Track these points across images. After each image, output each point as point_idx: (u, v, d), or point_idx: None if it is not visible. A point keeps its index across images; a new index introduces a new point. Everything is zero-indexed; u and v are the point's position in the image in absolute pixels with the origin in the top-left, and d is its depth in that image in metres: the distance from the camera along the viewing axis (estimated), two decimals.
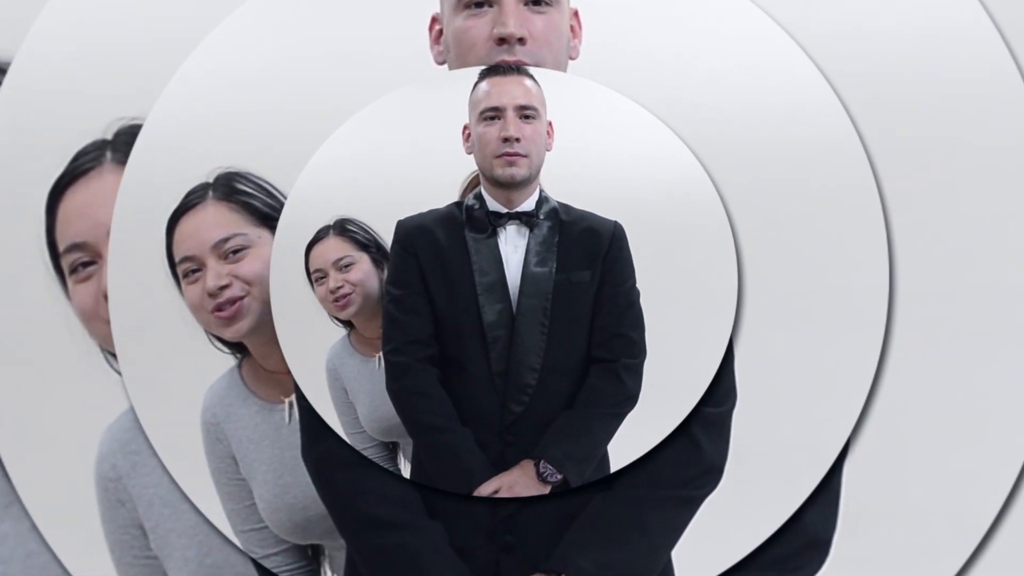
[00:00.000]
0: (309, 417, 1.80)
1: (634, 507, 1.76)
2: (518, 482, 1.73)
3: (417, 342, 1.74)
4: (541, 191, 1.76)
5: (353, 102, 1.82)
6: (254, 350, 1.88)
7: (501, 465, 1.74)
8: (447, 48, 1.81)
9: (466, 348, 1.74)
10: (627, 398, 1.75)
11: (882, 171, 1.88)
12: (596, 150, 1.80)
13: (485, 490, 1.73)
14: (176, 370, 1.90)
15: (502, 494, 1.73)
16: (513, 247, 1.75)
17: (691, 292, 1.81)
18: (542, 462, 1.73)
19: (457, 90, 1.77)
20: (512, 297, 1.74)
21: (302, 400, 1.80)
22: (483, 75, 1.76)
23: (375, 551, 1.76)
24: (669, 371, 1.77)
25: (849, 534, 1.87)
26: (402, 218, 1.76)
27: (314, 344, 1.81)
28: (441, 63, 1.83)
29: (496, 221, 1.75)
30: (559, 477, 1.74)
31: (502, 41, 1.76)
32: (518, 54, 1.76)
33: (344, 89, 1.86)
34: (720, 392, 1.79)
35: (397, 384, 1.75)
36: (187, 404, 1.91)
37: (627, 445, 1.76)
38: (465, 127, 1.76)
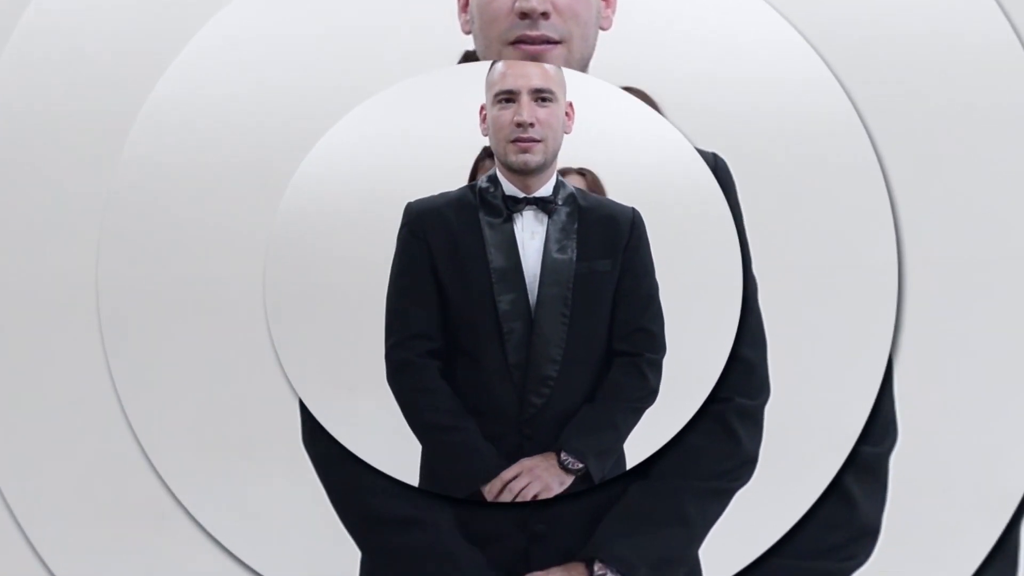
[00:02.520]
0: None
1: (673, 497, 1.72)
2: (539, 465, 1.68)
3: (420, 336, 1.69)
4: (558, 176, 1.71)
5: (361, 89, 1.78)
6: None
7: (519, 458, 1.68)
8: (472, 18, 1.76)
9: (480, 339, 1.69)
10: (649, 393, 1.71)
11: (884, 150, 1.85)
12: (594, 142, 1.75)
13: (508, 474, 1.67)
14: (166, 357, 1.87)
15: (523, 479, 1.68)
16: (531, 233, 1.70)
17: (695, 282, 1.77)
18: (563, 452, 1.68)
19: (473, 78, 1.72)
20: (528, 286, 1.69)
21: None
22: None
23: (381, 550, 1.71)
24: (678, 361, 1.73)
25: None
26: (411, 200, 1.71)
27: (309, 336, 1.76)
28: (468, 32, 1.77)
29: (513, 206, 1.70)
30: (580, 466, 1.69)
31: (524, 16, 1.70)
32: (542, 28, 1.70)
33: (352, 75, 1.83)
34: (755, 383, 1.75)
35: (398, 380, 1.70)
36: (176, 394, 1.87)
37: (645, 436, 1.73)
38: (482, 108, 1.71)
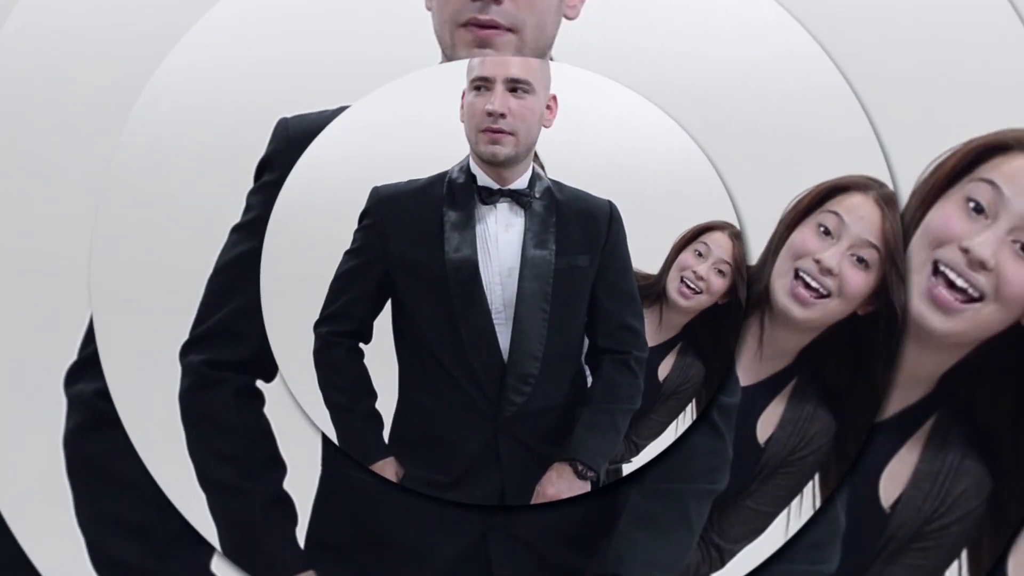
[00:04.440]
0: None
1: (676, 502, 1.70)
2: (555, 484, 1.67)
3: (340, 316, 1.69)
4: (534, 168, 1.69)
5: (363, 83, 1.77)
6: None
7: (493, 452, 1.67)
8: None
9: (435, 333, 1.67)
10: (639, 392, 1.70)
11: (886, 139, 1.79)
12: (582, 134, 1.73)
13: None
14: (158, 352, 1.81)
15: (539, 500, 1.68)
16: (505, 226, 1.68)
17: None
18: (578, 462, 1.67)
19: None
20: (503, 279, 1.66)
21: None
22: None
23: (212, 513, 1.73)
24: None
25: None
26: (378, 185, 1.69)
27: (303, 331, 1.73)
28: (429, 9, 1.74)
29: (487, 198, 1.67)
30: (594, 473, 1.68)
31: None
32: (492, 13, 1.67)
33: (354, 69, 1.80)
34: (731, 382, 1.72)
35: (314, 356, 1.70)
36: (168, 391, 1.81)
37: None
38: (463, 93, 1.68)
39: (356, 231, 1.69)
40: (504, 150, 1.66)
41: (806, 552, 1.73)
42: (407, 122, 1.74)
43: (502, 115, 1.65)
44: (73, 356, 1.83)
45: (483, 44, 1.68)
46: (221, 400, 1.71)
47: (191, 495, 1.77)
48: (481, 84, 1.66)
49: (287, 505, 1.73)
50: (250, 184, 1.78)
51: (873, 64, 1.79)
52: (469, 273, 1.66)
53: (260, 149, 1.78)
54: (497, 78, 1.65)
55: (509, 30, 1.68)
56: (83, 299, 1.84)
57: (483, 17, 1.67)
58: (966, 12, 1.80)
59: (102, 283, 1.82)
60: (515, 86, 1.66)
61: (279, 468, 1.73)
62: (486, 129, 1.65)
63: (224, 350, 1.72)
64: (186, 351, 1.73)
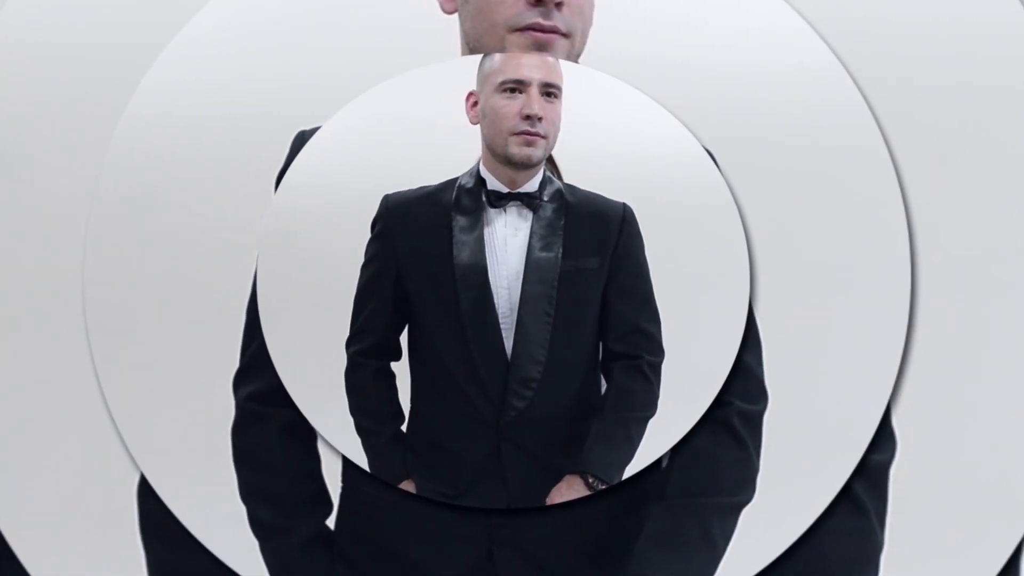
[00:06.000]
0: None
1: (697, 518, 1.67)
2: (565, 495, 1.66)
3: (364, 331, 1.67)
4: (545, 171, 1.66)
5: (360, 81, 1.74)
6: None
7: (496, 461, 1.65)
8: None
9: (444, 338, 1.65)
10: (655, 399, 1.66)
11: (895, 143, 1.78)
12: (594, 138, 1.71)
13: None
14: (156, 359, 1.82)
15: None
16: (514, 230, 1.65)
17: (698, 279, 1.72)
18: (589, 475, 1.65)
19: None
20: (510, 284, 1.64)
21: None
22: None
23: (264, 554, 1.73)
24: (685, 363, 1.69)
25: (899, 513, 1.79)
26: (389, 193, 1.67)
27: (302, 336, 1.72)
28: (451, 12, 1.72)
29: (496, 202, 1.65)
30: (605, 486, 1.65)
31: (539, 2, 1.65)
32: (555, 19, 1.65)
33: (350, 67, 1.78)
34: (753, 388, 1.69)
35: (344, 378, 1.69)
36: (166, 398, 1.82)
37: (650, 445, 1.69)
38: (471, 94, 1.66)
39: (368, 241, 1.67)
40: (538, 153, 1.64)
41: (840, 571, 1.72)
42: (406, 120, 1.73)
43: (540, 118, 1.63)
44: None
45: (540, 49, 1.66)
46: (266, 438, 1.72)
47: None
48: (515, 87, 1.64)
49: (328, 542, 1.73)
50: (245, 189, 1.78)
51: (885, 74, 1.79)
52: (477, 278, 1.64)
53: (253, 153, 1.78)
54: (533, 82, 1.64)
55: (564, 35, 1.67)
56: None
57: (547, 23, 1.65)
58: (980, 23, 1.81)
59: (96, 302, 1.82)
60: (548, 90, 1.64)
61: (323, 506, 1.73)
62: (522, 132, 1.63)
63: (263, 378, 1.71)
64: (236, 386, 1.74)
